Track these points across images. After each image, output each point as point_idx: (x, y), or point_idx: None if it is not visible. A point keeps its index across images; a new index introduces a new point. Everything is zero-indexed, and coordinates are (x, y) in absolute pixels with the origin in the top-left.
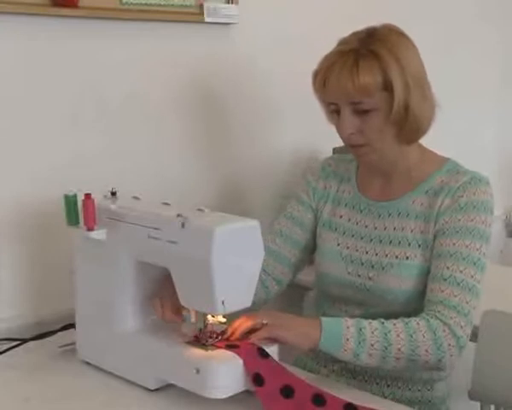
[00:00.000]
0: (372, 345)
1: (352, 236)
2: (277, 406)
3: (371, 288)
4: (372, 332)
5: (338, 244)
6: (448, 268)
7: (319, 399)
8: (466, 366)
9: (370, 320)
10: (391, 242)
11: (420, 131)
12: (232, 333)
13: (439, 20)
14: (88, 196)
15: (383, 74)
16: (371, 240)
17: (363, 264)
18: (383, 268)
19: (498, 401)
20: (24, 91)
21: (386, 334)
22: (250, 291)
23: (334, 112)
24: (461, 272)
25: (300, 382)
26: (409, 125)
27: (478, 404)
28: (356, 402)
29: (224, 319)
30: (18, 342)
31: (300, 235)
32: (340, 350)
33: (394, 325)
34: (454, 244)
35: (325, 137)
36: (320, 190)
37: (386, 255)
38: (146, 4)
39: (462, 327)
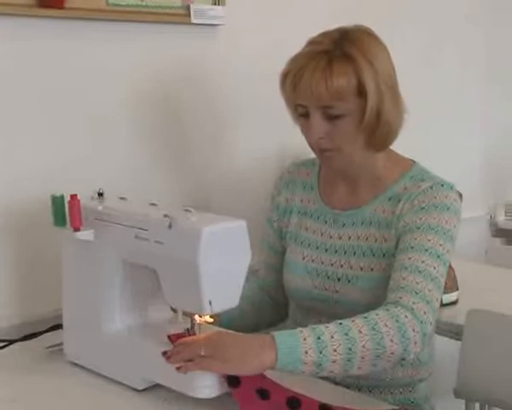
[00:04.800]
0: (335, 350)
1: (317, 248)
2: (254, 407)
3: (339, 301)
4: (332, 337)
5: (303, 258)
6: (410, 258)
7: (294, 402)
8: (451, 364)
9: (327, 324)
10: (355, 253)
11: (390, 136)
12: (172, 356)
13: (425, 21)
14: (74, 196)
15: (357, 78)
16: (336, 251)
17: (329, 277)
18: (349, 281)
19: (483, 399)
20: (11, 92)
21: (346, 334)
22: (237, 291)
23: (301, 115)
24: (423, 262)
25: (275, 385)
26: (380, 131)
27: (463, 402)
28: (332, 402)
29: (211, 319)
30: (5, 344)
31: (277, 259)
32: (299, 366)
33: (353, 321)
34: (415, 239)
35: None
36: (282, 205)
37: (351, 267)
38: (132, 5)
39: (425, 313)
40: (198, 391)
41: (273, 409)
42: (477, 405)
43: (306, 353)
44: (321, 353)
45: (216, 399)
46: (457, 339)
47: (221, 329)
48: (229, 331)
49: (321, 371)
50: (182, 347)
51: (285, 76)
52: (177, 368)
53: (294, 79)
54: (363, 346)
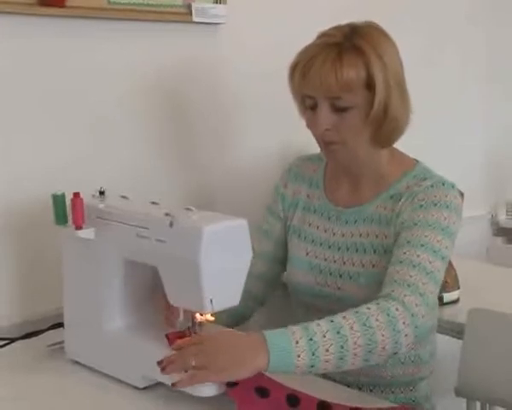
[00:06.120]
0: (327, 350)
1: (321, 244)
2: (253, 406)
3: (341, 297)
4: (324, 336)
5: (307, 254)
6: (405, 253)
7: (293, 399)
8: (452, 363)
9: (318, 322)
10: (357, 250)
11: (396, 133)
12: (166, 367)
13: (426, 21)
14: (76, 194)
15: (366, 70)
16: (339, 248)
17: (331, 273)
18: (350, 277)
19: (484, 398)
20: (11, 91)
21: (338, 332)
22: (238, 290)
23: (309, 107)
24: (418, 256)
25: (274, 383)
26: (386, 127)
27: (464, 401)
28: (332, 399)
29: (212, 318)
30: (6, 342)
31: (272, 248)
32: (291, 368)
33: (344, 318)
34: (412, 234)
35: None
36: (289, 197)
37: (353, 264)
38: (133, 4)
39: (416, 305)
40: (199, 390)
41: (273, 407)
42: (478, 404)
43: (299, 356)
44: (313, 354)
45: (216, 397)
46: (458, 338)
47: (213, 326)
48: (219, 335)
49: (313, 371)
50: (174, 356)
51: (294, 67)
52: (173, 385)
53: (304, 68)
54: (355, 343)
